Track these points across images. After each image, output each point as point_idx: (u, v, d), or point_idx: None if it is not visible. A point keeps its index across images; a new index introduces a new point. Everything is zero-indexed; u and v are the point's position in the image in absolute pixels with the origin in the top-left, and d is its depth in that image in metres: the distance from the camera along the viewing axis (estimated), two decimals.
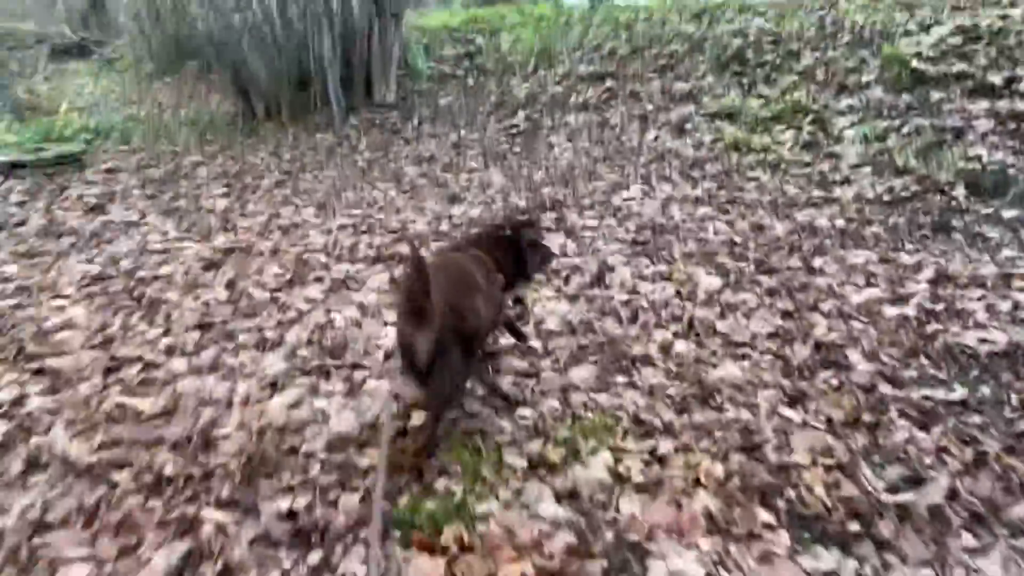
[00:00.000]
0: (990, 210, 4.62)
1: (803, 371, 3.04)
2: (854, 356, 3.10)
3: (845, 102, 6.14)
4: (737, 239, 4.42)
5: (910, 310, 3.44)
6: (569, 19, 9.24)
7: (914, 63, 6.12)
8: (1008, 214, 4.52)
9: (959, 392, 2.82)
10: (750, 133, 6.09)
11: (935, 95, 5.83)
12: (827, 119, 6.01)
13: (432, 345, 2.22)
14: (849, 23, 7.12)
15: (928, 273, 3.84)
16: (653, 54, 7.76)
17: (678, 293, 3.77)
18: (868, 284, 3.75)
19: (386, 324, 3.48)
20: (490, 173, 5.98)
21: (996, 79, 5.66)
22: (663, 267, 4.09)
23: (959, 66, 5.92)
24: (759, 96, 6.54)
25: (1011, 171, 4.88)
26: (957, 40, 6.19)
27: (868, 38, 6.76)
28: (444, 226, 4.75)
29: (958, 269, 3.85)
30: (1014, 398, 2.76)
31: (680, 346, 3.25)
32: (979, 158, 5.05)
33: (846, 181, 5.26)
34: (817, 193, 5.14)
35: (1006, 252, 4.09)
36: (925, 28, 6.56)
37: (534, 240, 2.96)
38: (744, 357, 3.16)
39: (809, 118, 6.08)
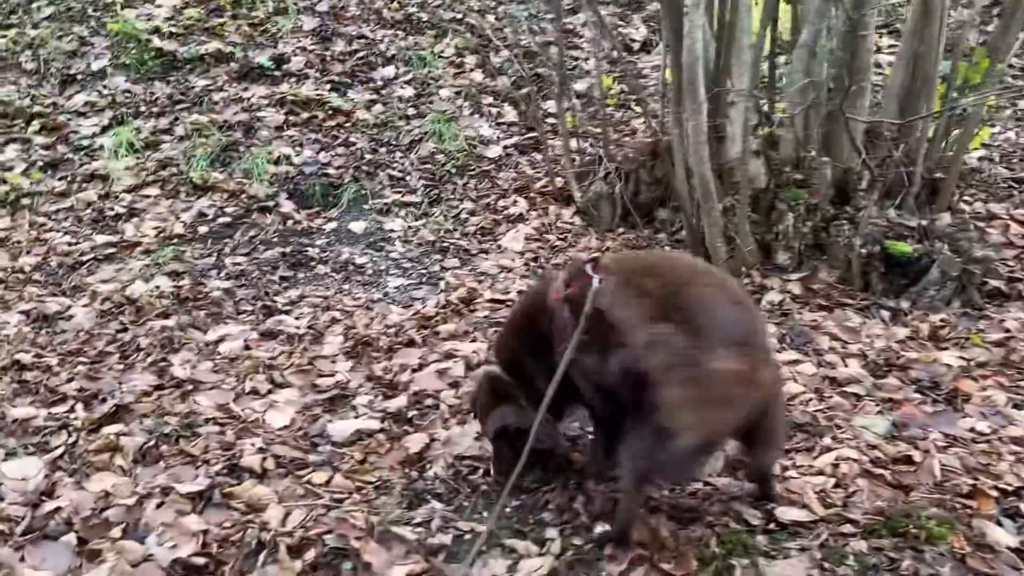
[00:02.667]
0: (334, 224, 3.69)
1: None
2: None
3: (80, 98, 4.40)
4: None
5: None
6: None
7: (155, 41, 4.72)
8: (358, 227, 3.66)
9: None
10: None
11: (198, 82, 4.57)
12: (65, 124, 4.21)
13: None
14: None
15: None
16: None
17: None
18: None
19: None
20: None
21: (263, 59, 4.69)
22: None
23: (213, 44, 4.75)
24: None
25: (331, 172, 4.02)
26: (196, 13, 5.00)
27: (80, 10, 5.03)
28: None
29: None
30: None
31: None
32: (288, 159, 4.06)
33: (132, 214, 3.68)
34: (103, 239, 3.45)
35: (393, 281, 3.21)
36: None
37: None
38: None
39: (36, 125, 4.18)
